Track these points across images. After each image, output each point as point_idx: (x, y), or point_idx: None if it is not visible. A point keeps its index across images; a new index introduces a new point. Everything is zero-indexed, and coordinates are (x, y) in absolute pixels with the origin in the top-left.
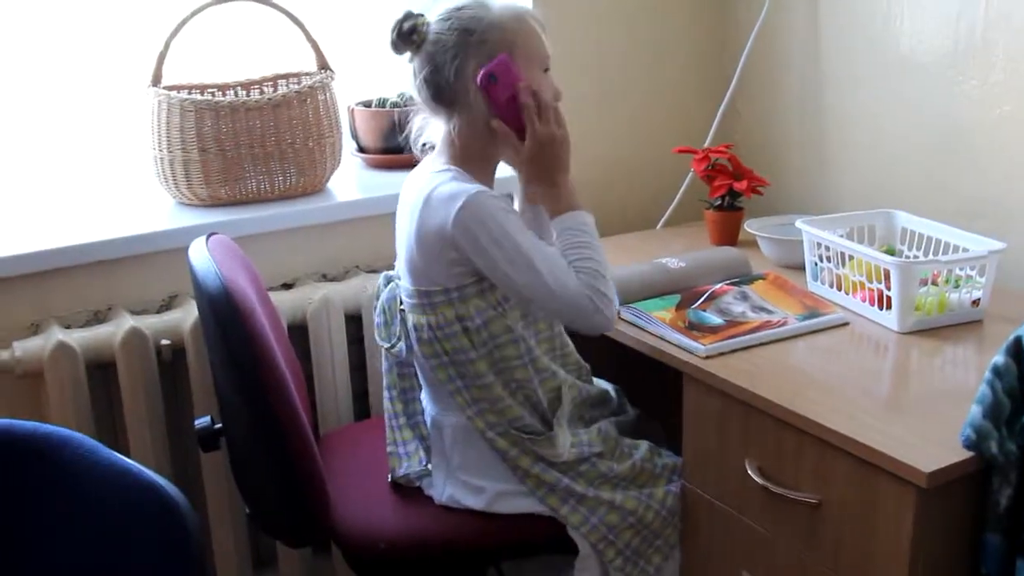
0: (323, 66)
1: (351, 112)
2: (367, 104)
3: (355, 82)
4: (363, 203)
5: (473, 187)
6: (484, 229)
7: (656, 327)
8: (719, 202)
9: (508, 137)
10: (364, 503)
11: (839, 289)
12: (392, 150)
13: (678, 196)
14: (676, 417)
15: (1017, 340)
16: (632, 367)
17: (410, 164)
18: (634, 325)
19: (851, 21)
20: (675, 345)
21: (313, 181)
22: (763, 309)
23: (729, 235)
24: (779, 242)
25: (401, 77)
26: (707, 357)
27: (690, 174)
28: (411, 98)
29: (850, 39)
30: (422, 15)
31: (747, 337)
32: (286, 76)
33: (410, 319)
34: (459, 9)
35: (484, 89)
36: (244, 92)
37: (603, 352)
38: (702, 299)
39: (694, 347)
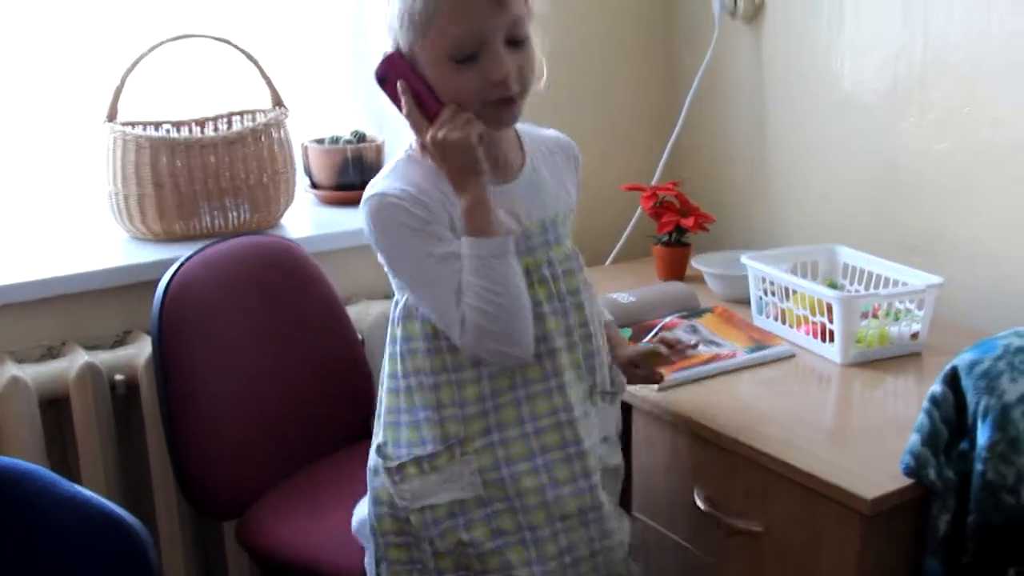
0: (277, 103)
1: (304, 149)
2: (320, 141)
3: (308, 119)
4: (315, 239)
5: (386, 184)
6: (382, 232)
7: None
8: (667, 238)
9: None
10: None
11: (784, 322)
12: (345, 187)
13: (627, 232)
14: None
15: (953, 370)
16: None
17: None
18: None
19: (794, 61)
20: None
21: (267, 217)
22: (712, 342)
23: (677, 270)
24: (725, 277)
25: (354, 114)
26: (659, 390)
27: (638, 211)
28: (363, 136)
29: (793, 78)
30: None
31: (699, 369)
32: (241, 113)
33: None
34: None
35: (382, 89)
36: (199, 128)
37: None
38: (653, 332)
39: None
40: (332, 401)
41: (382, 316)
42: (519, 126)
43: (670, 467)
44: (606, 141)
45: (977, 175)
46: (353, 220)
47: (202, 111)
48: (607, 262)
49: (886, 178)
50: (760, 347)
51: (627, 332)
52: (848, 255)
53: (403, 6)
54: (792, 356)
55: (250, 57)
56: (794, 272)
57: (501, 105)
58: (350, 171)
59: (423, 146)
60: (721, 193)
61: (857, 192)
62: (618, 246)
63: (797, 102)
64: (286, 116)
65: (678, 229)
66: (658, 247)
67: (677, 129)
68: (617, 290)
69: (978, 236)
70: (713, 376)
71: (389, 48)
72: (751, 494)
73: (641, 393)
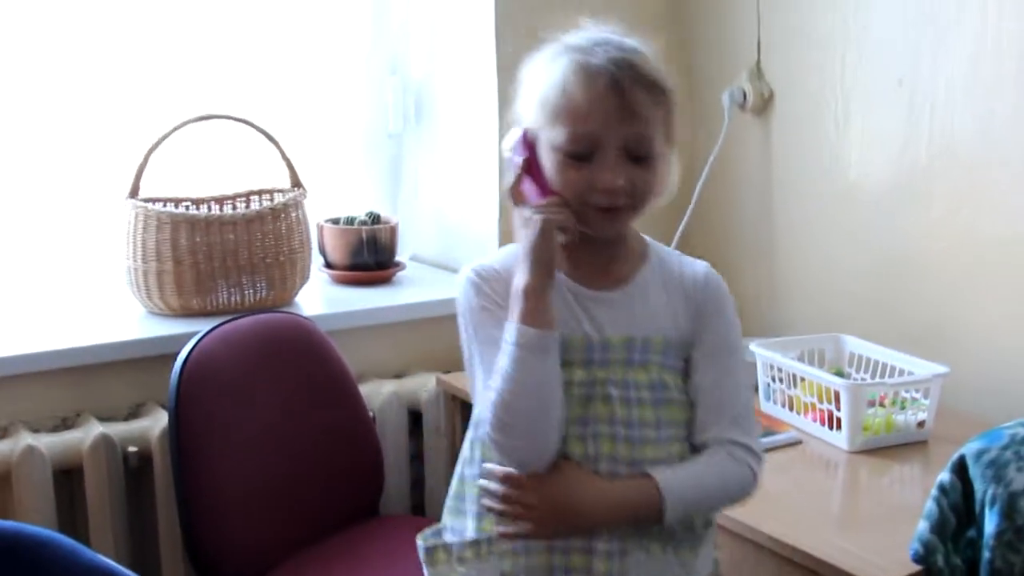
0: (296, 183)
1: (320, 228)
2: (335, 221)
3: (323, 197)
4: (329, 317)
5: (484, 260)
6: (457, 305)
7: None
8: None
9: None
10: None
11: (791, 409)
12: (359, 267)
13: None
14: None
15: (961, 458)
16: None
17: (376, 281)
18: None
19: (801, 153)
20: None
21: (282, 295)
22: None
23: None
24: None
25: (369, 195)
26: None
27: None
28: (377, 217)
29: (800, 170)
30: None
31: None
32: (260, 192)
33: None
34: (541, 46)
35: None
36: (218, 207)
37: None
38: None
39: None
40: (343, 477)
41: (393, 395)
42: (656, 246)
43: None
44: None
45: (981, 266)
46: (367, 299)
47: (222, 189)
48: None
49: (891, 269)
50: (768, 433)
51: None
52: (854, 344)
53: (539, 90)
54: (799, 442)
55: (270, 138)
56: (801, 360)
57: (605, 213)
58: (364, 251)
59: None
60: (729, 280)
61: (863, 282)
62: None
63: (804, 193)
64: (304, 197)
65: None
66: None
67: (687, 216)
68: None
69: (982, 326)
70: None
71: (523, 124)
72: None
73: None
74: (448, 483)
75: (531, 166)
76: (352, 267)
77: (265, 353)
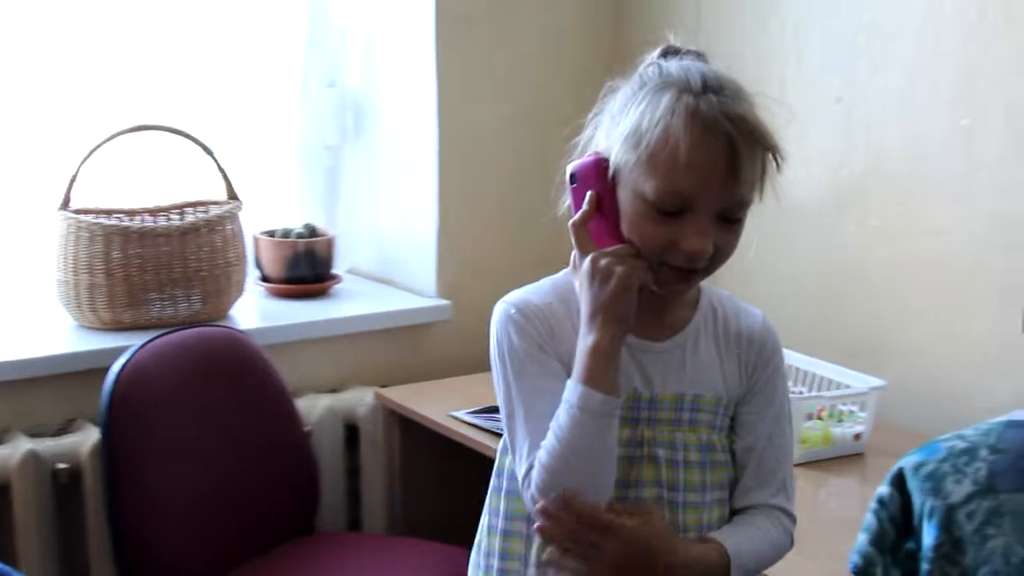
0: (232, 195)
1: (256, 241)
2: (271, 233)
3: (260, 210)
4: (265, 331)
5: (519, 295)
6: (494, 344)
7: None
8: None
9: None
10: None
11: None
12: (295, 280)
13: None
14: None
15: (899, 471)
16: None
17: (313, 294)
18: None
19: None
20: None
21: (217, 308)
22: None
23: None
24: None
25: (305, 207)
26: None
27: None
28: (314, 230)
29: None
30: (696, 53)
31: None
32: (194, 204)
33: None
34: (648, 71)
35: (569, 187)
36: (152, 218)
37: None
38: None
39: None
40: (279, 494)
41: (329, 410)
42: (710, 289)
43: None
44: (552, 239)
45: (916, 281)
46: (303, 313)
47: (156, 201)
48: None
49: (829, 284)
50: None
51: None
52: (792, 358)
53: (638, 123)
54: None
55: (205, 149)
56: None
57: (680, 273)
58: (301, 264)
59: (574, 264)
60: None
61: (800, 297)
62: None
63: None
64: (240, 209)
65: None
66: None
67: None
68: None
69: (918, 340)
70: None
71: (600, 149)
72: None
73: None
74: (387, 498)
75: (602, 202)
76: (288, 280)
77: (199, 368)
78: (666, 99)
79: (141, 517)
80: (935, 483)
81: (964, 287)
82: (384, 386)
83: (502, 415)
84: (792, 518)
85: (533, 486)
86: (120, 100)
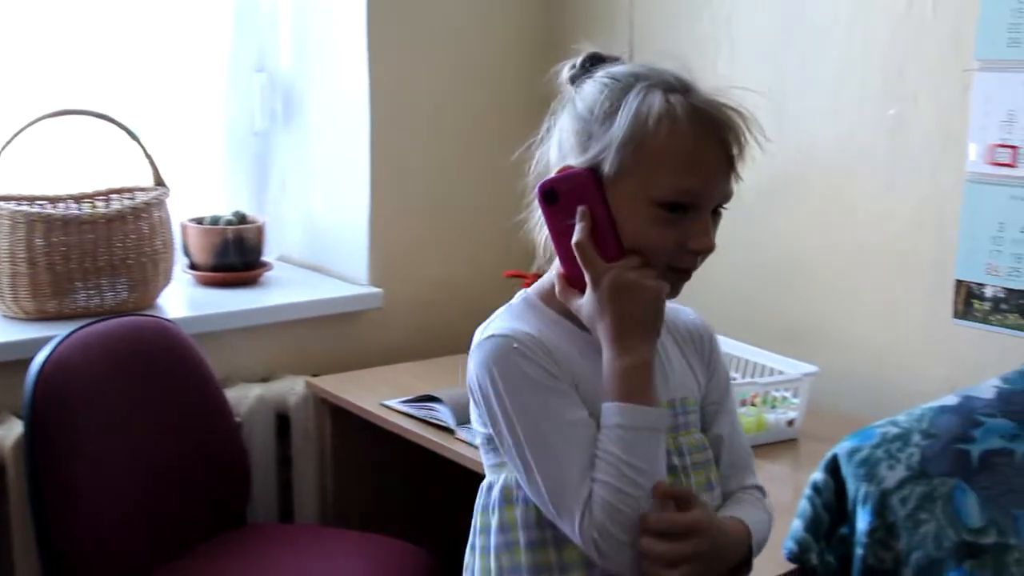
0: (159, 182)
1: (184, 228)
2: (199, 220)
3: (187, 197)
4: (193, 320)
5: (506, 326)
6: (488, 382)
7: None
8: None
9: (561, 281)
10: None
11: None
12: (224, 268)
13: None
14: None
15: (834, 457)
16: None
17: (242, 282)
18: (471, 446)
19: None
20: None
21: (144, 297)
22: None
23: None
24: None
25: (234, 193)
26: None
27: None
28: (244, 217)
29: None
30: (619, 59)
31: None
32: (120, 191)
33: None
34: (614, 75)
35: (541, 206)
36: (77, 205)
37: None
38: None
39: None
40: (209, 485)
41: (260, 400)
42: None
43: None
44: (489, 225)
45: (848, 269)
46: (232, 301)
47: (81, 188)
48: None
49: (762, 271)
50: None
51: None
52: (726, 344)
53: (635, 126)
54: None
55: (131, 134)
56: None
57: (680, 275)
58: (230, 252)
59: (567, 280)
60: None
61: (735, 284)
62: None
63: None
64: (167, 195)
65: None
66: None
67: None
68: None
69: (852, 327)
70: None
71: (572, 162)
72: None
73: None
74: (319, 488)
75: (596, 216)
76: (217, 268)
77: (126, 358)
78: (657, 100)
79: (67, 511)
80: (869, 469)
81: (896, 274)
82: (316, 375)
83: (522, 458)
84: (765, 494)
85: (598, 517)
86: (43, 84)
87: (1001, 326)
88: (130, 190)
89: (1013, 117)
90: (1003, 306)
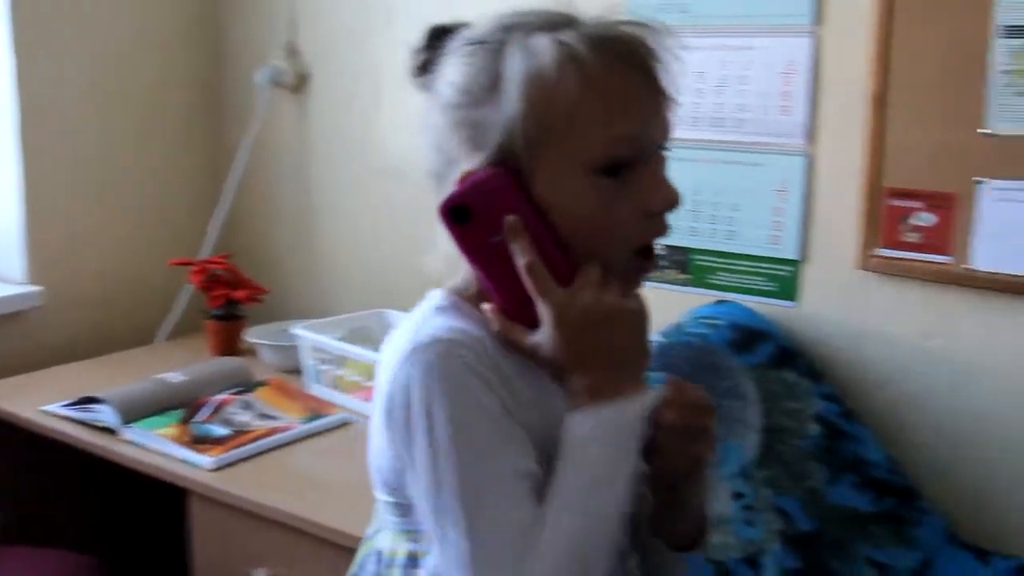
0: None
1: None
2: None
3: None
4: None
5: (443, 331)
6: (419, 407)
7: (159, 444)
8: (219, 312)
9: (498, 315)
10: None
11: (338, 390)
12: None
13: (178, 309)
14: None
15: None
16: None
17: None
18: (136, 445)
19: (338, 132)
20: (180, 461)
21: None
22: (268, 416)
23: (230, 344)
24: (278, 348)
25: None
26: (215, 470)
27: (190, 286)
28: None
29: (338, 149)
30: (466, 25)
31: (253, 445)
32: None
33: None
34: (474, 39)
35: (450, 230)
36: None
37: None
38: (206, 411)
39: (200, 461)
40: None
41: None
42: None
43: (228, 551)
44: (154, 215)
45: None
46: None
47: None
48: (157, 340)
49: (427, 242)
50: (315, 416)
51: (179, 413)
52: (398, 318)
53: (529, 91)
54: (348, 423)
55: None
56: (350, 339)
57: (648, 256)
58: None
59: (504, 313)
60: (274, 265)
61: (402, 257)
62: (168, 323)
63: (341, 172)
64: None
65: (230, 302)
66: (210, 322)
67: (229, 201)
68: (167, 369)
69: None
70: (272, 450)
71: (469, 166)
72: (318, 570)
73: (193, 475)
74: None
75: (528, 223)
76: None
77: None
78: (546, 45)
79: None
80: None
81: None
82: None
83: (433, 502)
84: None
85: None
86: None
87: (661, 281)
88: None
89: None
90: (663, 262)
